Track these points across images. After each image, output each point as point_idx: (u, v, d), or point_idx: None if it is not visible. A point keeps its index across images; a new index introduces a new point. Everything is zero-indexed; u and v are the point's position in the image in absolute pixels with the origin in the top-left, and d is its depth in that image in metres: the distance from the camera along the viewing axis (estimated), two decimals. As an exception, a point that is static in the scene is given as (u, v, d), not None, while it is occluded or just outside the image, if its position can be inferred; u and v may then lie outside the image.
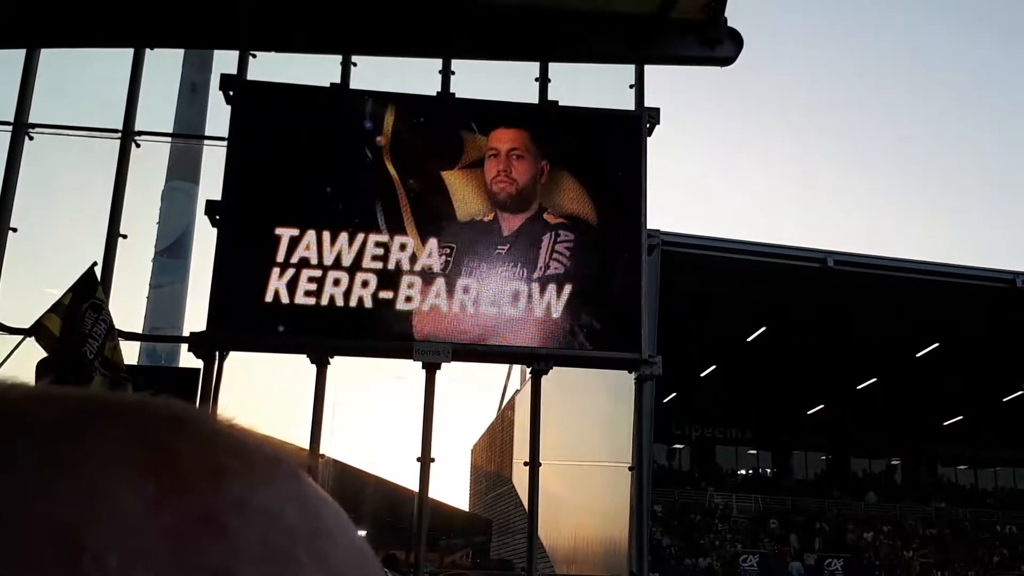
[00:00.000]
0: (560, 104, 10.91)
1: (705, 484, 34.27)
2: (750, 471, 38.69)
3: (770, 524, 31.75)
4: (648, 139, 10.84)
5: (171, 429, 0.34)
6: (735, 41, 10.95)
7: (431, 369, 10.18)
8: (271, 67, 10.75)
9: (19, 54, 10.84)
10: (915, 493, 36.17)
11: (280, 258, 9.95)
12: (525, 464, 10.51)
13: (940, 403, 35.26)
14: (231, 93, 10.45)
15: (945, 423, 37.57)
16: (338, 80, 10.75)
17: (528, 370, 10.77)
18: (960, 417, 37.07)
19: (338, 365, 10.32)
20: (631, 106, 11.06)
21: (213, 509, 0.32)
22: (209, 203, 10.19)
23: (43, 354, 7.37)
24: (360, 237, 10.12)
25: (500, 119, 10.75)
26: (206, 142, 12.69)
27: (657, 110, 10.96)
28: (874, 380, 33.20)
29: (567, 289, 10.22)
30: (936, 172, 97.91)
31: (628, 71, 11.19)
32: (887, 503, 34.45)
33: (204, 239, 10.64)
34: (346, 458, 20.23)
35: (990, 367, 30.73)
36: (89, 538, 0.29)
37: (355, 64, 10.80)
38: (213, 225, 10.09)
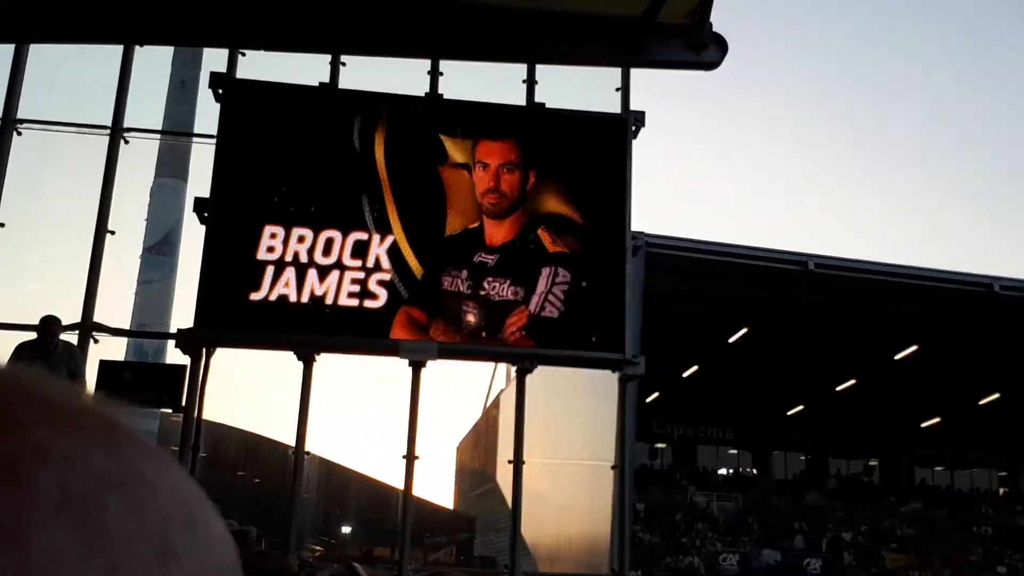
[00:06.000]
0: (547, 106, 11.01)
1: (686, 483, 34.50)
2: (731, 470, 38.99)
3: (750, 523, 32.00)
4: (633, 141, 10.97)
5: None
6: (720, 46, 11.09)
7: (417, 368, 10.26)
8: (260, 65, 10.82)
9: (8, 49, 10.86)
10: (893, 494, 36.53)
11: (268, 255, 10.01)
12: (509, 462, 10.61)
13: (918, 405, 35.64)
14: (220, 91, 10.48)
15: (923, 425, 37.98)
16: (327, 79, 10.82)
17: (513, 369, 10.87)
18: (938, 419, 37.47)
19: (324, 362, 10.39)
20: (617, 109, 11.19)
21: (10, 459, 0.32)
22: (197, 200, 10.21)
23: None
24: (348, 236, 10.19)
25: (488, 122, 10.83)
26: (195, 139, 12.71)
27: (642, 113, 11.08)
28: (853, 382, 33.52)
29: (552, 291, 10.32)
30: (917, 178, 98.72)
31: (614, 74, 11.31)
32: (866, 502, 34.76)
33: (192, 236, 10.68)
34: (331, 456, 20.26)
35: (968, 370, 31.10)
36: None
37: (344, 64, 10.87)
38: (201, 222, 10.12)
